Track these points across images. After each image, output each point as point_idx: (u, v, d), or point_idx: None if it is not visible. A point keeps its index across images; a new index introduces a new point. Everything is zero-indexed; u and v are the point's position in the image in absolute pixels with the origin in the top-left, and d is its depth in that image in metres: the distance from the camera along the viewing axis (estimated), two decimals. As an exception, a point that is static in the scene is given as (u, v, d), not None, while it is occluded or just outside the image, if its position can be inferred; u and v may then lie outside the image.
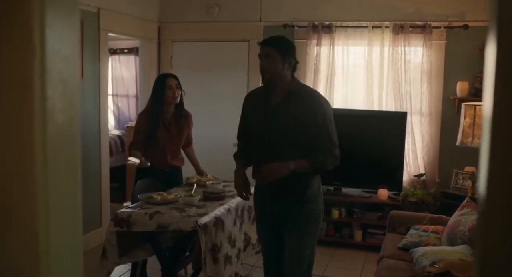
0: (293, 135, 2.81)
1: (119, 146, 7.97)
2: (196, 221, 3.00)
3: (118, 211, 3.21)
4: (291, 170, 2.72)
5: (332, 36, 5.52)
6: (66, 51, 1.10)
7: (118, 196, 6.55)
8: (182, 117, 4.10)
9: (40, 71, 0.99)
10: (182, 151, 4.27)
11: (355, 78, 5.64)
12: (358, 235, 5.28)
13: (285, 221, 2.91)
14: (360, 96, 5.59)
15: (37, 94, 0.99)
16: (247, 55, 5.93)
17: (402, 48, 5.34)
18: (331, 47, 5.55)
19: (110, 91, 9.06)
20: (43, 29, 0.98)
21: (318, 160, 2.78)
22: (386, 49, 5.42)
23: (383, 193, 5.24)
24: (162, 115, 3.97)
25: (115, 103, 9.04)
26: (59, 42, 1.07)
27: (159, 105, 3.96)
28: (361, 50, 5.56)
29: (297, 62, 2.93)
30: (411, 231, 3.99)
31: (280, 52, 2.78)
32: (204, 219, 3.09)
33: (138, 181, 3.85)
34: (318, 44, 5.57)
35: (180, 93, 4.05)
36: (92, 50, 5.07)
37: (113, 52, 8.84)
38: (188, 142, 4.33)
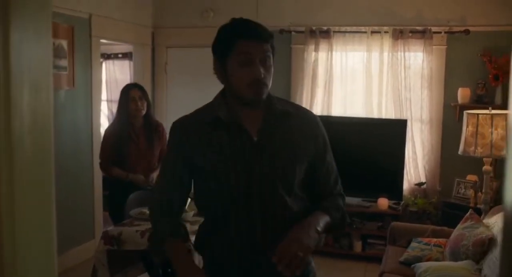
0: (295, 178, 1.75)
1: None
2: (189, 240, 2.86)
3: (109, 229, 3.07)
4: (320, 233, 1.69)
5: (330, 41, 5.40)
6: (36, 76, 0.97)
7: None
8: (151, 129, 3.90)
9: (3, 103, 0.86)
10: None
11: (353, 85, 5.52)
12: (357, 246, 5.15)
13: None
14: (359, 103, 5.47)
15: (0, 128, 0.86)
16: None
17: (402, 54, 5.22)
18: (329, 52, 5.43)
19: (104, 96, 8.93)
20: (7, 51, 0.86)
21: (340, 209, 1.83)
22: (385, 54, 5.30)
23: (383, 202, 5.11)
24: (129, 129, 3.80)
25: (110, 109, 8.90)
26: (28, 66, 0.95)
27: (124, 118, 3.80)
28: (360, 55, 5.44)
29: None
30: (413, 244, 3.86)
31: (273, 50, 1.76)
32: (197, 237, 2.95)
33: (131, 195, 3.71)
34: (316, 50, 5.45)
35: (145, 104, 3.85)
36: (84, 56, 4.93)
37: (107, 57, 8.71)
38: None
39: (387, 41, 5.26)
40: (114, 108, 8.85)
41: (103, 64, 8.77)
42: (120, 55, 8.39)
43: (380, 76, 5.33)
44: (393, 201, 5.16)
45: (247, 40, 1.68)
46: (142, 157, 3.82)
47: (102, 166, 3.85)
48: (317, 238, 1.66)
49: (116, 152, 3.74)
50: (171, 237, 1.88)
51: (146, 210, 3.33)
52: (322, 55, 5.47)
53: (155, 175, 3.85)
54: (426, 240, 3.85)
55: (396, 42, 5.21)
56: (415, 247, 3.78)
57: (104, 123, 9.00)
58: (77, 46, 4.79)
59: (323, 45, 5.44)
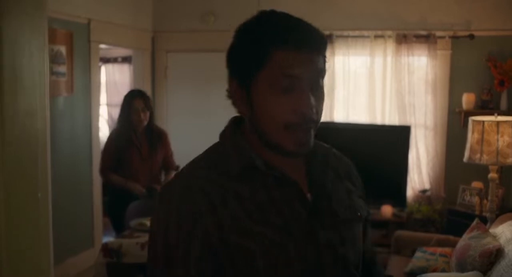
0: (360, 244, 1.26)
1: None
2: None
3: (108, 241, 3.00)
4: None
5: (332, 46, 5.32)
6: (31, 101, 0.91)
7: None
8: (153, 137, 3.83)
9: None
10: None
11: (356, 90, 5.44)
12: (361, 254, 5.06)
13: None
14: (362, 109, 5.39)
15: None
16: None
17: (406, 59, 5.14)
18: (332, 57, 5.34)
19: (104, 100, 8.86)
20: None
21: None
22: (388, 59, 5.22)
23: (387, 209, 5.03)
24: (132, 135, 3.73)
25: (109, 113, 8.82)
26: (21, 70, 0.88)
27: (127, 126, 3.74)
28: (362, 60, 5.36)
29: None
30: (418, 253, 3.78)
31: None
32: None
33: (130, 204, 3.64)
34: (318, 55, 5.35)
35: (148, 115, 3.78)
36: (83, 62, 4.86)
37: (107, 60, 8.65)
38: (170, 166, 4.03)
39: (390, 45, 5.19)
40: (114, 112, 8.80)
41: (103, 68, 8.71)
42: (120, 59, 8.33)
43: (383, 81, 5.26)
44: (397, 209, 5.08)
45: (289, 51, 1.06)
46: (144, 164, 3.77)
47: (102, 171, 3.79)
48: None
49: (117, 158, 3.69)
50: None
51: (146, 221, 3.26)
52: (324, 59, 5.38)
53: (155, 184, 3.79)
54: (431, 249, 3.77)
55: (400, 46, 5.14)
56: (420, 257, 3.70)
57: (103, 127, 8.95)
58: (76, 51, 4.72)
59: (325, 50, 5.35)
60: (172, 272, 1.08)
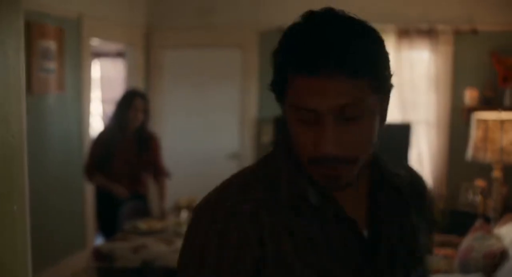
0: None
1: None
2: (186, 258, 2.66)
3: (100, 245, 2.86)
4: None
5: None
6: (5, 107, 0.79)
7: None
8: (142, 140, 3.68)
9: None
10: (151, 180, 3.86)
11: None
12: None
13: None
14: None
15: None
16: (241, 62, 5.58)
17: (407, 54, 5.03)
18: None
19: (99, 96, 8.69)
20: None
21: None
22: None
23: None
24: (121, 136, 3.59)
25: (104, 109, 8.66)
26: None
27: (118, 124, 3.61)
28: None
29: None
30: (421, 255, 3.66)
31: (375, 84, 0.94)
32: (194, 254, 2.74)
33: (123, 205, 3.50)
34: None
35: (143, 117, 3.65)
36: (74, 58, 4.71)
37: (101, 55, 8.50)
38: (159, 172, 3.87)
39: (391, 40, 5.05)
40: (108, 109, 8.63)
41: (97, 63, 8.55)
42: (114, 54, 8.18)
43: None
44: (398, 208, 4.96)
45: (304, 77, 0.88)
46: (127, 165, 3.62)
47: (86, 172, 3.65)
48: None
49: (103, 158, 3.55)
50: None
51: (140, 224, 3.13)
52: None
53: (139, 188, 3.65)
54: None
55: (401, 41, 5.01)
56: (424, 259, 3.57)
57: (98, 124, 8.78)
58: (67, 47, 4.57)
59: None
60: None
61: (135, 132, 3.62)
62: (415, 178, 1.17)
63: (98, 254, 2.79)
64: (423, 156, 5.05)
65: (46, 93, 4.37)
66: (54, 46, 4.43)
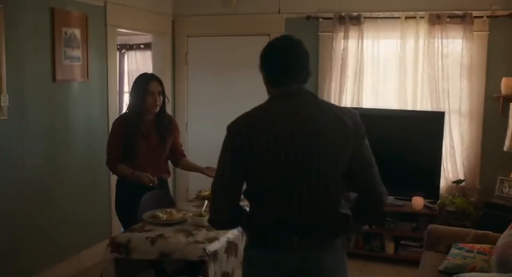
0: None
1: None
2: (204, 250, 2.57)
3: (116, 235, 2.80)
4: None
5: (360, 28, 5.04)
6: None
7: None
8: (163, 125, 3.55)
9: None
10: (170, 164, 3.78)
11: (386, 75, 5.15)
12: (389, 248, 4.80)
13: None
14: (392, 95, 5.10)
15: None
16: (268, 50, 5.45)
17: (439, 41, 4.82)
18: (360, 40, 5.07)
19: (126, 89, 8.71)
20: None
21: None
22: (421, 42, 4.92)
23: (418, 201, 4.75)
24: (140, 123, 3.46)
25: (132, 101, 8.67)
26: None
27: (137, 111, 3.45)
28: (393, 43, 5.07)
29: (267, 73, 2.13)
30: (453, 250, 3.49)
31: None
32: (214, 246, 2.65)
33: (144, 195, 3.43)
34: (345, 38, 5.09)
35: (162, 100, 3.51)
36: (99, 47, 4.67)
37: (129, 47, 8.50)
38: (180, 154, 3.77)
39: (423, 27, 4.88)
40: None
41: (125, 55, 8.57)
42: (142, 46, 8.15)
43: (415, 65, 4.96)
44: (429, 200, 4.80)
45: None
46: (152, 154, 3.51)
47: (109, 162, 3.51)
48: None
49: (125, 148, 3.41)
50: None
51: (160, 213, 3.06)
52: (352, 43, 5.11)
53: (164, 175, 3.57)
54: (468, 246, 3.47)
55: (433, 28, 4.82)
56: (456, 254, 3.41)
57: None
58: (92, 35, 4.53)
59: (353, 32, 5.08)
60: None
61: (155, 118, 3.53)
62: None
63: (114, 245, 2.72)
64: (456, 147, 4.85)
65: (70, 81, 4.34)
66: (78, 34, 4.39)
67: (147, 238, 2.71)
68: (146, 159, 3.46)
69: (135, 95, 3.46)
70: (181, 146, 3.84)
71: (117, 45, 8.44)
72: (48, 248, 4.17)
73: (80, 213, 4.52)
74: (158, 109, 3.47)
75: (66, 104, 4.33)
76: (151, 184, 3.38)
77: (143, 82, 3.46)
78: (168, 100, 3.67)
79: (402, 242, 4.79)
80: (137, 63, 8.43)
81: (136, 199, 3.26)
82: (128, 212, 3.28)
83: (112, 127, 3.55)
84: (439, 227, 3.94)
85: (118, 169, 3.44)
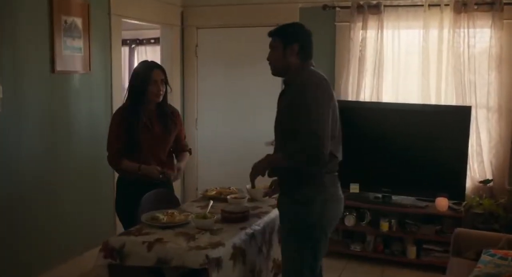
0: (281, 130, 2.69)
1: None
2: (207, 256, 2.28)
3: (109, 238, 2.52)
4: (266, 166, 2.63)
5: (380, 17, 4.73)
6: None
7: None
8: (166, 115, 3.30)
9: None
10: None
11: (408, 67, 4.84)
12: (411, 252, 4.48)
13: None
14: (414, 88, 4.79)
15: None
16: (281, 41, 5.16)
17: (466, 30, 4.49)
18: (379, 30, 4.77)
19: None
20: None
21: (290, 152, 2.50)
22: (445, 31, 4.59)
23: (442, 202, 4.42)
24: (143, 115, 3.19)
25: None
26: None
27: (139, 102, 3.18)
28: (415, 33, 4.75)
29: (301, 47, 2.62)
30: (484, 257, 3.16)
31: (280, 40, 2.62)
32: (217, 252, 2.36)
33: (146, 194, 3.16)
34: (364, 28, 4.78)
35: (165, 89, 3.25)
36: (102, 37, 4.43)
37: (139, 42, 8.29)
38: (181, 148, 3.50)
39: (447, 15, 4.55)
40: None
41: (135, 50, 8.36)
42: (152, 40, 7.93)
43: (439, 57, 4.64)
44: (454, 201, 4.48)
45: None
46: (156, 147, 3.25)
47: (112, 159, 3.22)
48: (262, 169, 2.65)
49: (127, 142, 3.15)
50: None
51: (160, 214, 2.78)
52: (371, 33, 4.81)
53: (168, 170, 3.27)
54: (501, 252, 3.14)
55: (459, 16, 4.48)
56: (488, 262, 3.08)
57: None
58: (94, 25, 4.28)
59: (372, 22, 4.78)
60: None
61: (157, 109, 3.27)
62: (296, 80, 2.58)
63: (107, 249, 2.45)
64: (483, 144, 4.52)
65: (71, 73, 4.09)
66: (80, 23, 4.14)
67: (143, 242, 2.43)
68: (150, 153, 3.21)
69: (136, 84, 3.20)
70: (185, 139, 3.56)
71: (127, 40, 8.31)
72: (47, 249, 3.94)
73: (82, 212, 4.28)
74: (161, 98, 3.22)
75: (67, 97, 4.08)
76: (161, 176, 3.14)
77: (146, 70, 3.21)
78: (171, 89, 3.40)
79: (424, 246, 4.47)
80: (147, 58, 8.21)
81: (140, 198, 3.01)
82: (131, 213, 3.00)
83: (112, 120, 3.28)
84: (468, 231, 3.62)
85: (122, 164, 3.17)
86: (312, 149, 2.40)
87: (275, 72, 2.71)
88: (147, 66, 3.26)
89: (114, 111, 3.87)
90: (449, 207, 4.44)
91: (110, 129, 3.25)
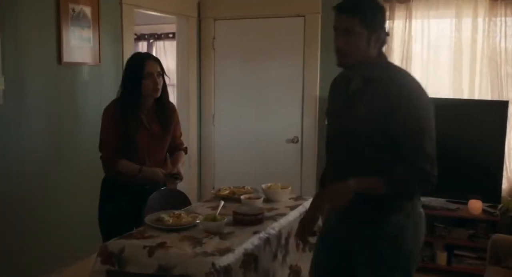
0: (365, 139, 1.99)
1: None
2: (213, 264, 2.02)
3: (108, 242, 2.28)
4: (352, 192, 1.92)
5: (408, 6, 4.45)
6: None
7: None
8: (165, 112, 2.98)
9: None
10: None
11: (438, 59, 4.54)
12: (441, 258, 4.17)
13: (355, 252, 2.09)
14: (445, 82, 4.49)
15: None
16: (303, 33, 4.89)
17: (503, 19, 4.18)
18: (407, 20, 4.48)
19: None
20: None
21: (396, 179, 1.94)
22: (480, 20, 4.28)
23: (476, 205, 4.09)
24: (140, 112, 2.89)
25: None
26: None
27: (134, 98, 2.86)
28: (446, 23, 4.45)
29: (387, 35, 2.05)
30: (526, 266, 2.86)
31: (366, 23, 1.93)
32: (226, 259, 2.09)
33: (154, 193, 2.91)
34: (391, 17, 4.49)
35: (163, 82, 2.92)
36: (113, 28, 4.21)
37: (157, 37, 8.11)
38: (176, 146, 3.18)
39: (482, 3, 4.24)
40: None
41: (153, 45, 8.19)
42: (170, 35, 7.74)
43: (473, 48, 4.33)
44: (488, 204, 4.16)
45: (336, 13, 2.00)
46: (154, 147, 2.96)
47: (108, 158, 2.90)
48: (348, 196, 1.92)
49: (124, 139, 2.86)
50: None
51: (166, 216, 2.53)
52: (398, 23, 4.52)
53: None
54: (545, 262, 2.84)
55: (495, 4, 4.17)
56: (531, 272, 2.78)
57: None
58: (104, 14, 4.07)
59: (399, 12, 4.49)
60: None
61: (155, 104, 2.96)
62: (391, 77, 2.00)
63: (106, 254, 2.21)
64: (522, 142, 4.19)
65: (79, 65, 3.88)
66: (89, 12, 3.92)
67: (144, 247, 2.18)
68: (146, 153, 2.91)
69: (129, 79, 2.90)
70: (180, 137, 3.23)
71: (145, 34, 8.12)
72: (51, 251, 3.73)
73: (88, 213, 4.04)
74: (159, 93, 2.90)
75: (74, 90, 3.87)
76: (167, 179, 2.90)
77: (138, 63, 2.89)
78: (169, 79, 3.10)
79: (456, 252, 4.15)
80: (165, 54, 8.03)
81: (130, 205, 2.73)
82: (117, 223, 2.71)
83: (103, 117, 2.96)
84: (507, 237, 3.30)
85: (120, 165, 2.85)
86: (425, 176, 1.92)
87: (349, 64, 2.03)
88: (139, 58, 2.95)
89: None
90: (483, 210, 4.12)
91: (104, 126, 2.94)
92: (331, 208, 2.17)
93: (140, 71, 2.84)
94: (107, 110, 2.96)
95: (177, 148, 3.16)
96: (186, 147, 3.25)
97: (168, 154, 3.10)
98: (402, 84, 1.98)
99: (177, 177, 2.95)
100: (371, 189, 1.92)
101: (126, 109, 2.85)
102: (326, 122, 2.25)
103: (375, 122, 1.95)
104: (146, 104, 2.92)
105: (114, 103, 2.96)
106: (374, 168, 1.96)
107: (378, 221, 2.00)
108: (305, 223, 2.21)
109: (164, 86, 2.95)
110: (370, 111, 1.96)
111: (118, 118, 2.85)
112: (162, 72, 2.92)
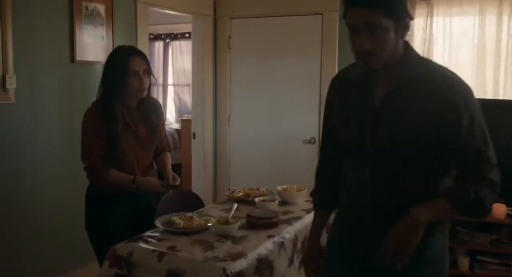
0: (416, 153, 1.65)
1: (177, 142, 7.16)
2: (224, 270, 1.93)
3: (117, 245, 2.20)
4: (425, 224, 1.56)
5: (429, 3, 4.33)
6: None
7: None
8: (150, 113, 2.71)
9: None
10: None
11: (460, 58, 4.42)
12: (463, 264, 4.03)
13: None
14: (468, 82, 4.20)
15: None
16: (321, 31, 4.79)
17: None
18: (429, 18, 4.37)
19: (170, 80, 8.29)
20: None
21: (469, 197, 1.59)
22: (505, 18, 4.15)
23: (500, 209, 3.95)
24: (123, 113, 2.61)
25: (176, 94, 8.22)
26: None
27: (116, 97, 2.59)
28: (469, 20, 4.32)
29: (411, 19, 1.68)
30: (554, 274, 2.73)
31: (392, 13, 1.57)
32: (238, 265, 2.00)
33: (165, 195, 2.83)
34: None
35: (149, 81, 2.64)
36: (127, 26, 4.14)
37: (174, 37, 8.10)
38: (162, 147, 2.90)
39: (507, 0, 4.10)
40: (182, 93, 8.16)
41: (170, 45, 8.18)
42: (187, 35, 7.71)
43: (497, 47, 4.20)
44: (512, 208, 4.01)
45: (349, 9, 1.64)
46: (141, 151, 2.70)
47: (96, 167, 2.60)
48: (420, 231, 1.55)
49: (109, 146, 2.57)
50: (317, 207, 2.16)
51: (177, 218, 2.45)
52: (419, 21, 4.40)
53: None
54: None
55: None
56: (560, 281, 2.64)
57: (170, 107, 8.35)
58: (118, 12, 4.00)
59: (420, 9, 4.38)
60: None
61: (140, 105, 2.69)
62: (431, 75, 1.67)
63: (114, 257, 2.13)
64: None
65: (92, 63, 3.82)
66: (103, 10, 3.87)
67: (153, 251, 2.10)
68: (134, 159, 2.66)
69: (110, 77, 2.60)
70: (165, 138, 2.96)
71: (162, 34, 8.09)
72: (61, 254, 3.67)
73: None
74: (145, 93, 2.64)
75: (87, 89, 3.80)
76: (165, 191, 2.66)
77: (121, 59, 2.59)
78: (155, 79, 2.83)
79: (478, 257, 4.01)
80: (181, 53, 8.01)
81: (123, 211, 2.60)
82: (108, 235, 2.49)
83: (84, 123, 2.66)
84: (534, 243, 3.16)
85: (111, 176, 2.56)
86: (497, 188, 1.64)
87: (380, 65, 1.65)
88: (123, 54, 2.63)
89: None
90: (507, 214, 3.97)
91: (87, 133, 2.65)
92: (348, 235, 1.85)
93: (124, 67, 2.55)
94: (87, 115, 2.66)
95: (163, 149, 2.91)
96: (169, 147, 3.01)
97: (153, 162, 2.86)
98: (450, 83, 1.66)
99: (177, 188, 2.75)
100: (442, 215, 1.64)
101: (108, 111, 2.58)
102: (343, 134, 1.83)
103: (422, 134, 1.63)
104: (129, 104, 2.66)
105: (94, 106, 2.66)
106: (424, 186, 1.68)
107: (419, 245, 1.59)
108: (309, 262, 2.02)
109: (150, 83, 2.68)
110: (415, 121, 1.63)
111: (101, 123, 2.57)
112: (148, 70, 2.64)
